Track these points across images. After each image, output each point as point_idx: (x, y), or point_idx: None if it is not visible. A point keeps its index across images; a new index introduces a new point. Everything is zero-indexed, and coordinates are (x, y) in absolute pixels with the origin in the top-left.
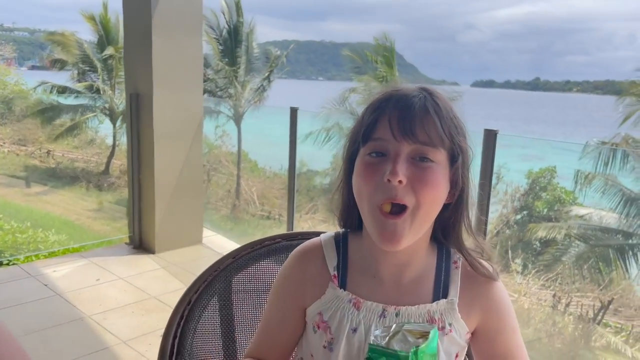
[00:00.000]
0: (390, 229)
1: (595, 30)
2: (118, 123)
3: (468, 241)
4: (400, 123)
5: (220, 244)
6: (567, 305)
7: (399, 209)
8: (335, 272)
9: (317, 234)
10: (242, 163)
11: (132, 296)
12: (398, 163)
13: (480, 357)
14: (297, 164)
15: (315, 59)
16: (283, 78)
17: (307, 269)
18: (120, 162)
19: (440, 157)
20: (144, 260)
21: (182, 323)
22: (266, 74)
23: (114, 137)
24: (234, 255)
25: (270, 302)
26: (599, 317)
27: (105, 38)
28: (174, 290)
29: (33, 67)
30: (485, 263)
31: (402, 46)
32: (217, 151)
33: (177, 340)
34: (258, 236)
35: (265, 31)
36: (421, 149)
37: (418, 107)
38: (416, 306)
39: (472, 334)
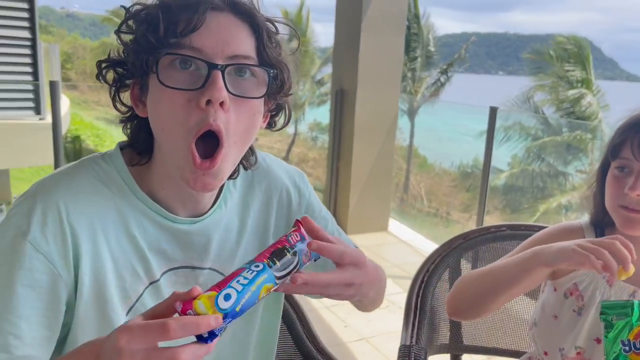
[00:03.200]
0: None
1: None
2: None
3: None
4: None
5: (404, 233)
6: None
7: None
8: None
9: (541, 227)
10: (412, 158)
11: None
12: (639, 180)
13: None
14: (471, 162)
15: (496, 53)
16: (460, 72)
17: None
18: (299, 149)
19: None
20: None
21: (422, 286)
22: (444, 68)
23: (295, 126)
24: (464, 237)
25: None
26: None
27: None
28: None
29: None
30: None
31: (600, 38)
32: None
33: (419, 299)
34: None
35: (443, 24)
36: None
37: None
38: None
39: None
